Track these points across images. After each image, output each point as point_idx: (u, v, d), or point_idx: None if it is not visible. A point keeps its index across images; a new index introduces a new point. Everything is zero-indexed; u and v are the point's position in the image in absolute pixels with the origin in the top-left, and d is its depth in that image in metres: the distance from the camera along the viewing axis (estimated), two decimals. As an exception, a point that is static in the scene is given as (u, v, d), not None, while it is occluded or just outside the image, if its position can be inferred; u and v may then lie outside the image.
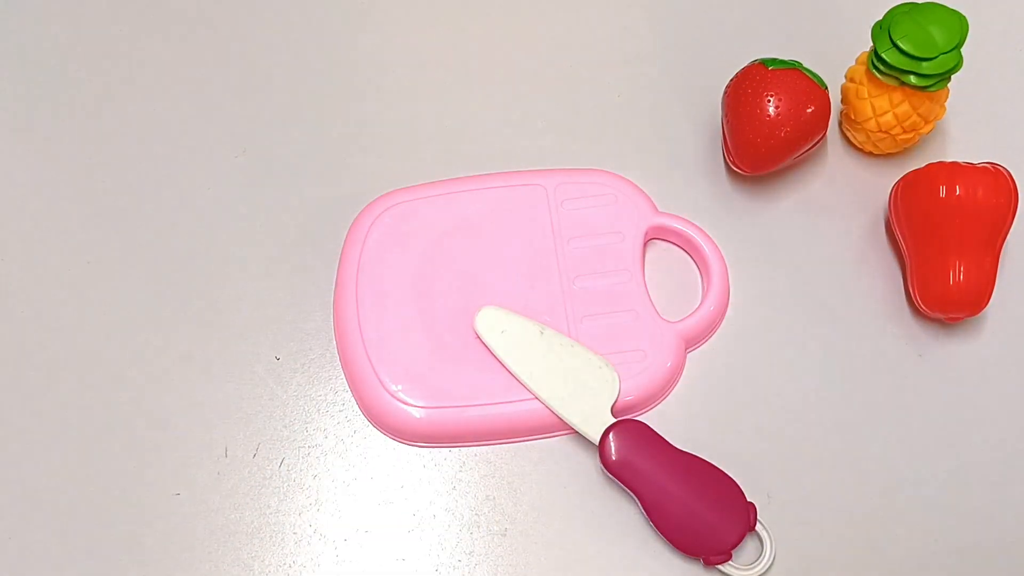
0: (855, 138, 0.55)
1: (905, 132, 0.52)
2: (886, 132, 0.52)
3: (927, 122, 0.52)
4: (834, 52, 0.55)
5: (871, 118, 0.52)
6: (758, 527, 0.47)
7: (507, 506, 0.49)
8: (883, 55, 0.49)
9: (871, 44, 0.50)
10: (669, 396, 0.51)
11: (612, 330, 0.50)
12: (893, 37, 0.49)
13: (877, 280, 0.53)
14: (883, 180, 0.56)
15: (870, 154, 0.56)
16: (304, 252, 0.55)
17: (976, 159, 0.55)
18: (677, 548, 0.46)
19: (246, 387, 0.52)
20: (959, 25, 0.48)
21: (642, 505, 0.47)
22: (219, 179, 0.57)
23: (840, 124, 0.57)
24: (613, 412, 0.48)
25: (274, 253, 0.55)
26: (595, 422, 0.48)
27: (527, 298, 0.51)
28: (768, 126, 0.51)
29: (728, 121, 0.53)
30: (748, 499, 0.47)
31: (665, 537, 0.47)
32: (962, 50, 0.49)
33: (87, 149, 0.58)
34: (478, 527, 0.48)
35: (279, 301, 0.54)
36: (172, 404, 0.51)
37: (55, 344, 0.53)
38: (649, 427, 0.48)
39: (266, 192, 0.57)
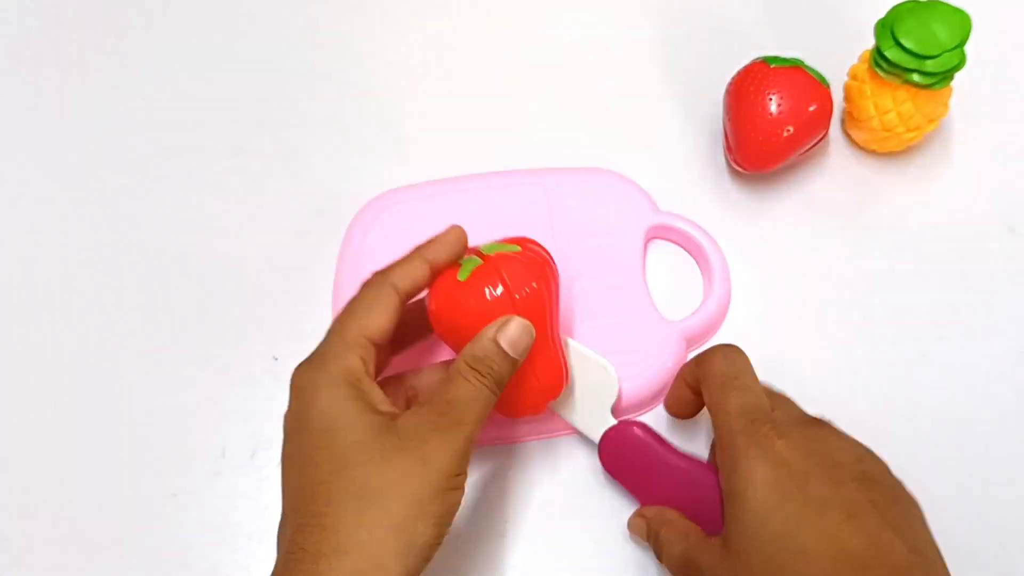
0: (858, 137, 0.55)
1: (908, 131, 0.52)
2: (889, 131, 0.52)
3: (930, 120, 0.52)
4: (836, 50, 0.55)
5: (874, 116, 0.52)
6: None
7: (507, 506, 0.49)
8: (886, 53, 0.49)
9: (874, 42, 0.50)
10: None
11: (613, 330, 0.50)
12: (896, 35, 0.49)
13: (880, 280, 0.53)
14: (886, 179, 0.55)
15: (873, 152, 0.56)
16: (303, 252, 0.55)
17: (977, 158, 0.55)
18: None
19: (244, 387, 0.52)
20: (962, 23, 0.48)
21: (640, 503, 0.46)
22: (218, 178, 0.57)
23: (842, 123, 0.57)
24: (613, 412, 0.48)
25: (272, 253, 0.55)
26: (595, 422, 0.47)
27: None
28: (770, 124, 0.51)
29: (730, 119, 0.53)
30: None
31: None
32: (965, 48, 0.48)
33: (86, 149, 0.58)
34: (478, 527, 0.48)
35: (277, 301, 0.54)
36: (170, 404, 0.51)
37: (53, 344, 0.53)
38: (649, 428, 0.47)
39: (265, 191, 0.57)
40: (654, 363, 0.49)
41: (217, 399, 0.51)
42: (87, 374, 0.52)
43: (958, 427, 0.50)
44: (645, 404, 0.50)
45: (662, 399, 0.50)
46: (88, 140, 0.59)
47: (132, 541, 0.49)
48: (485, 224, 0.52)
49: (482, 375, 0.39)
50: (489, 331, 0.40)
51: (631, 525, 0.45)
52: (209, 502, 0.49)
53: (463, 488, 0.38)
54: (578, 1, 0.62)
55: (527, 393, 0.43)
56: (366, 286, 0.42)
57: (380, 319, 0.40)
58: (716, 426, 0.41)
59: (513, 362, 0.40)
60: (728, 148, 0.54)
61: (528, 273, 0.42)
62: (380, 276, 0.42)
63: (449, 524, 0.37)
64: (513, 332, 0.40)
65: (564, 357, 0.45)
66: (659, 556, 0.43)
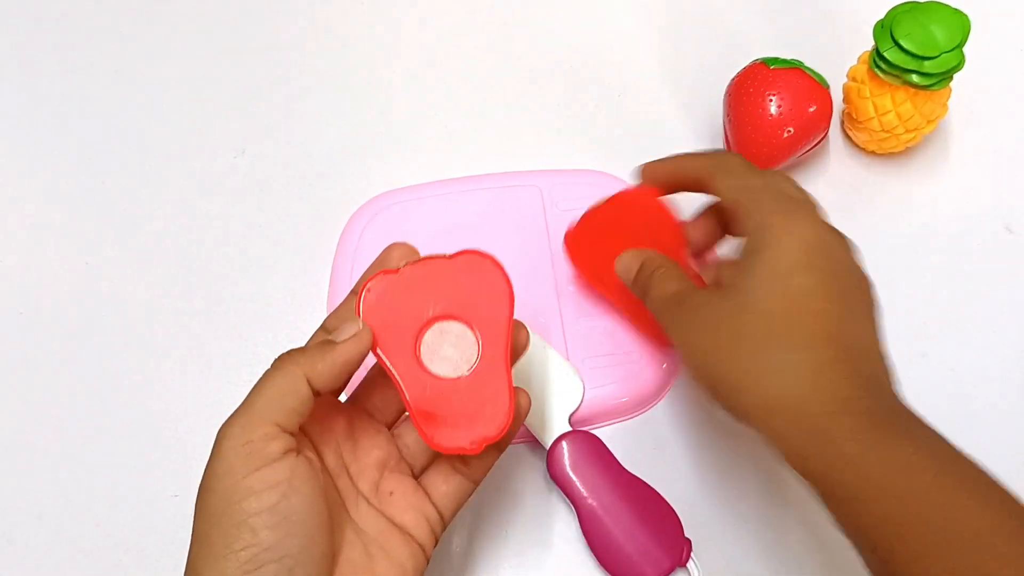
0: (857, 138, 0.55)
1: (907, 131, 0.52)
2: (888, 131, 0.52)
3: (929, 121, 0.52)
4: (836, 51, 0.55)
5: (873, 117, 0.52)
6: (689, 565, 0.46)
7: (506, 506, 0.49)
8: (885, 54, 0.49)
9: (873, 43, 0.50)
10: (665, 397, 0.50)
11: (608, 332, 0.50)
12: (895, 36, 0.49)
13: (878, 280, 0.53)
14: (885, 179, 0.56)
15: (872, 153, 0.56)
16: (303, 252, 0.55)
17: (975, 159, 0.55)
18: (604, 568, 0.46)
19: (245, 387, 0.52)
20: (961, 24, 0.48)
21: (579, 518, 0.46)
22: (218, 179, 0.57)
23: (842, 124, 0.57)
24: (571, 422, 0.47)
25: (273, 253, 0.55)
26: (551, 428, 0.47)
27: (521, 300, 0.51)
28: (770, 125, 0.51)
29: (730, 120, 0.53)
30: (687, 535, 0.46)
31: (594, 554, 0.46)
32: (964, 49, 0.49)
33: (86, 149, 0.59)
34: (477, 528, 0.48)
35: (278, 301, 0.54)
36: (171, 404, 0.51)
37: (55, 344, 0.53)
38: (602, 442, 0.47)
39: (265, 192, 0.57)
40: (648, 365, 0.49)
41: (218, 399, 0.51)
42: (88, 375, 0.52)
43: (957, 426, 0.49)
44: (640, 406, 0.50)
45: (658, 400, 0.50)
46: (88, 140, 0.59)
47: (134, 542, 0.49)
48: (480, 225, 0.53)
49: (288, 358, 0.37)
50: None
51: (620, 261, 0.45)
52: (210, 502, 0.49)
53: (265, 488, 0.34)
54: (577, 3, 0.62)
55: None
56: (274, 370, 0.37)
57: (286, 409, 0.36)
58: (745, 202, 0.40)
59: (323, 342, 0.37)
60: (728, 149, 0.54)
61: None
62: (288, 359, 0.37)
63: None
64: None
65: (512, 391, 0.38)
66: (645, 294, 0.43)
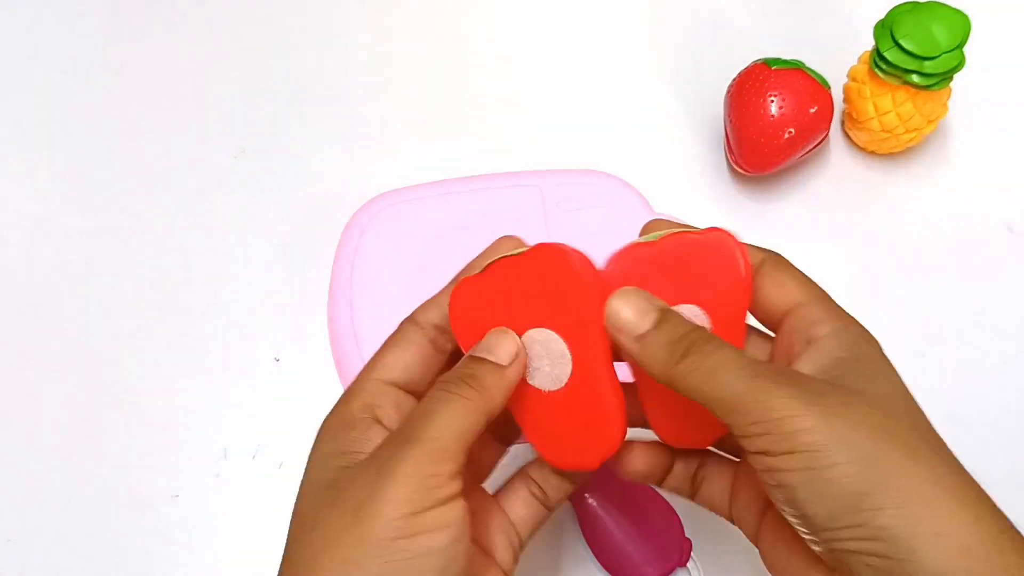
0: (857, 138, 0.55)
1: (908, 131, 0.52)
2: (889, 131, 0.52)
3: (929, 121, 0.52)
4: (836, 51, 0.55)
5: (873, 117, 0.52)
6: (689, 565, 0.46)
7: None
8: (885, 54, 0.49)
9: (873, 43, 0.50)
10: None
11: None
12: (895, 36, 0.49)
13: (878, 280, 0.53)
14: (886, 180, 0.55)
15: (873, 154, 0.56)
16: (303, 253, 0.55)
17: (976, 159, 0.55)
18: (604, 568, 0.46)
19: (245, 388, 0.52)
20: (961, 24, 0.48)
21: (579, 518, 0.46)
22: (218, 179, 0.57)
23: (842, 124, 0.57)
24: None
25: (273, 254, 0.55)
26: None
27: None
28: (771, 126, 0.51)
29: (731, 121, 0.53)
30: (687, 535, 0.46)
31: (594, 554, 0.46)
32: (964, 49, 0.48)
33: (86, 149, 0.59)
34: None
35: (279, 302, 0.54)
36: (171, 405, 0.51)
37: (54, 344, 0.53)
38: None
39: (265, 192, 0.57)
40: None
41: (218, 400, 0.52)
42: (88, 375, 0.52)
43: (957, 427, 0.49)
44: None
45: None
46: (88, 140, 0.59)
47: (134, 542, 0.49)
48: (480, 226, 0.53)
49: (448, 381, 0.33)
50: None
51: (624, 301, 0.34)
52: (211, 503, 0.49)
53: (440, 528, 0.30)
54: (577, 2, 0.62)
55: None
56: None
57: (396, 359, 0.36)
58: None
59: (493, 366, 0.33)
60: (729, 150, 0.54)
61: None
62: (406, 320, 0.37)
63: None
64: (487, 338, 0.35)
65: (620, 399, 0.34)
66: (686, 355, 0.32)
